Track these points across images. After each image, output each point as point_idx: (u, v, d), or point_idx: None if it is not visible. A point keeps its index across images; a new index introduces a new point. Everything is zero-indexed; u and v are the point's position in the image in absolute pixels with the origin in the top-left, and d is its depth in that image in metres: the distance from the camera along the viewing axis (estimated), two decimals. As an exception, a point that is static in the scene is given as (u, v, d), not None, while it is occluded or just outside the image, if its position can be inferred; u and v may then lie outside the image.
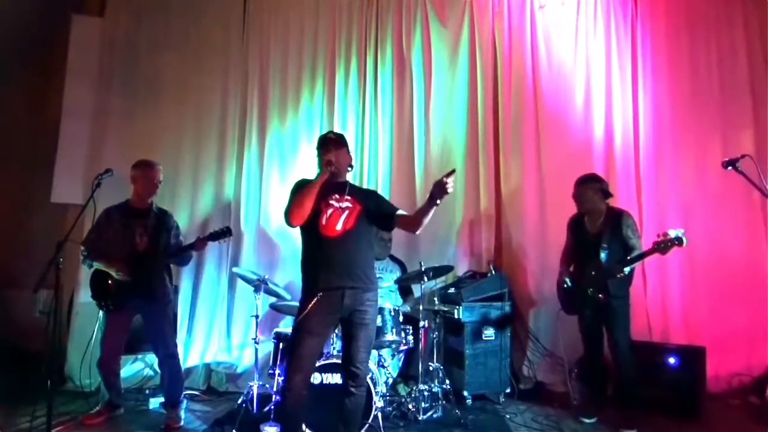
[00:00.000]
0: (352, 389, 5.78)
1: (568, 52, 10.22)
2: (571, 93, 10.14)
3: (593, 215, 8.00)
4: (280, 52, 10.59)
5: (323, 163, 5.84)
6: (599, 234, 7.85)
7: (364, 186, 9.72)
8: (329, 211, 5.82)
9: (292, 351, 5.76)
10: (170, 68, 10.51)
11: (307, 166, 9.83)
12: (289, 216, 5.73)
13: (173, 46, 10.55)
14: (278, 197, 9.99)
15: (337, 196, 5.92)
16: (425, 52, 10.48)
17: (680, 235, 6.91)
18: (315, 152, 6.09)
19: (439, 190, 5.41)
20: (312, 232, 5.82)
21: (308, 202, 5.66)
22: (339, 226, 5.78)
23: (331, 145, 5.98)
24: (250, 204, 10.24)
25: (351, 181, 6.30)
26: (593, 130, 10.01)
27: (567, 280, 8.14)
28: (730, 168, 5.94)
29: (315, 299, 5.63)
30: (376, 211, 6.04)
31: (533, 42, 10.31)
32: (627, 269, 7.47)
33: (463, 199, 10.09)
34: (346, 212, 5.86)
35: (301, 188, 5.83)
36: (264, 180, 10.26)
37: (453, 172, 5.35)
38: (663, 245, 7.02)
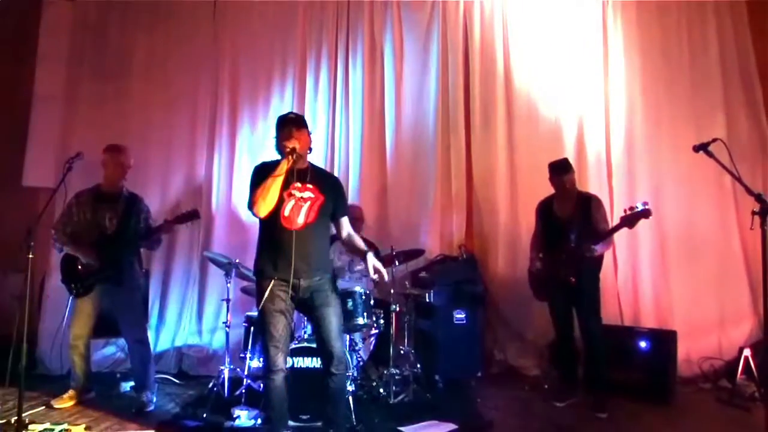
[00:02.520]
0: (333, 370, 5.76)
1: (540, 38, 10.22)
2: (543, 78, 10.15)
3: (564, 200, 8.07)
4: (251, 33, 10.56)
5: (285, 151, 5.66)
6: (569, 218, 7.92)
7: (336, 172, 9.81)
8: (291, 203, 5.75)
9: (265, 333, 5.74)
10: (140, 52, 10.50)
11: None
12: (255, 208, 5.64)
13: (143, 30, 10.51)
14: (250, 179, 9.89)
15: (299, 184, 5.83)
16: (396, 37, 10.47)
17: (647, 207, 7.11)
18: (274, 132, 5.94)
19: (371, 271, 5.70)
20: (273, 222, 5.74)
21: (274, 192, 5.59)
22: (301, 220, 5.73)
23: (292, 126, 5.80)
24: (221, 187, 10.24)
25: (314, 165, 6.21)
26: (564, 116, 10.03)
27: (537, 264, 8.18)
28: (701, 152, 5.93)
29: (271, 283, 5.65)
30: (332, 207, 5.99)
31: (504, 28, 10.31)
32: (597, 247, 7.55)
33: (434, 184, 10.09)
34: (308, 203, 5.80)
35: (261, 175, 5.72)
36: (235, 163, 10.26)
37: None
38: (631, 218, 7.26)
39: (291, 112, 6.25)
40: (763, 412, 5.35)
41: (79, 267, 7.53)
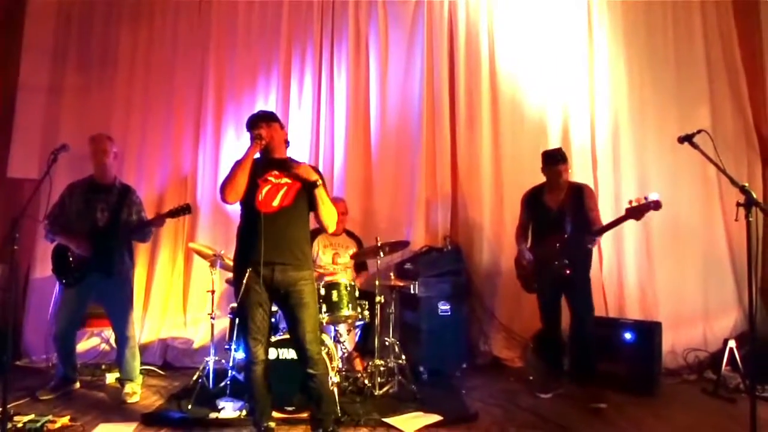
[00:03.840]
0: (310, 371, 5.81)
1: (525, 31, 10.23)
2: (528, 71, 10.16)
3: (556, 190, 8.00)
4: (238, 26, 10.52)
5: (253, 136, 5.80)
6: (562, 208, 7.87)
7: (321, 166, 9.91)
8: (266, 188, 5.80)
9: (244, 326, 5.82)
10: (125, 45, 10.49)
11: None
12: (222, 193, 5.70)
13: (128, 23, 10.49)
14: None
15: (276, 172, 5.88)
16: (381, 31, 10.46)
17: (658, 198, 6.90)
18: (247, 132, 5.98)
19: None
20: (249, 207, 5.81)
21: (241, 177, 5.65)
22: (276, 203, 5.77)
23: (261, 121, 5.92)
24: (206, 179, 10.23)
25: (294, 158, 6.21)
26: (549, 108, 10.05)
27: (528, 256, 8.08)
28: (686, 143, 5.93)
29: (246, 274, 5.70)
30: (310, 194, 5.94)
31: (489, 22, 10.31)
32: (597, 238, 7.70)
33: (419, 176, 10.09)
34: (285, 188, 5.84)
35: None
36: (220, 155, 10.27)
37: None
38: (639, 210, 7.00)
39: (260, 110, 6.23)
40: (747, 404, 5.35)
41: (71, 258, 7.53)
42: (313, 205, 5.94)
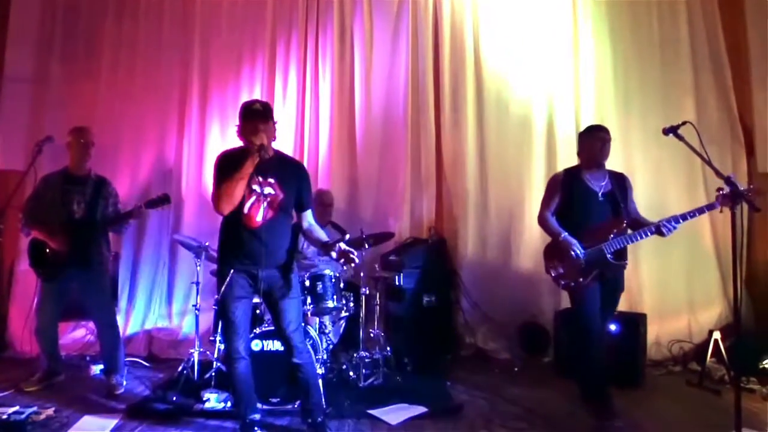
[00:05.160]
0: (295, 360, 5.87)
1: (510, 21, 10.21)
2: (513, 62, 10.15)
3: (598, 170, 7.07)
4: (222, 19, 10.49)
5: (253, 147, 5.53)
6: (611, 192, 6.94)
7: (305, 157, 9.98)
8: (251, 200, 5.71)
9: (225, 320, 5.85)
10: (110, 36, 10.43)
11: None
12: (218, 205, 5.60)
13: (113, 14, 10.44)
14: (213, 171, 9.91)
15: (260, 178, 5.73)
16: (366, 20, 10.43)
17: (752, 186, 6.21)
18: (239, 121, 5.84)
19: (342, 257, 5.52)
20: (232, 215, 5.72)
21: (239, 191, 5.57)
22: (259, 218, 5.72)
23: (259, 121, 5.69)
24: (191, 170, 10.24)
25: (280, 152, 6.18)
26: (534, 99, 10.04)
27: (576, 244, 6.76)
28: (671, 135, 5.91)
29: (231, 271, 5.72)
30: (294, 201, 5.97)
31: (474, 11, 10.29)
32: (676, 225, 6.64)
33: (404, 168, 10.10)
34: (268, 200, 5.76)
35: (225, 168, 5.68)
36: (205, 146, 10.26)
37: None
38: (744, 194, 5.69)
39: (257, 102, 5.96)
40: (732, 395, 5.37)
41: (47, 251, 7.50)
42: (298, 207, 6.01)
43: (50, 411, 6.67)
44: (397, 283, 8.86)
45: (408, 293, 9.04)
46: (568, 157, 9.37)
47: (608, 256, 6.71)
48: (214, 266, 7.71)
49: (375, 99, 10.29)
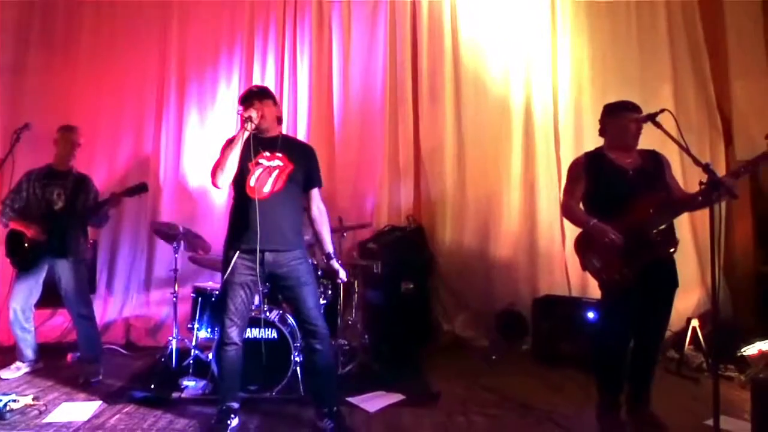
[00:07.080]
0: (316, 345, 5.83)
1: (487, 9, 10.21)
2: (490, 49, 10.17)
3: (626, 150, 6.14)
4: (200, 6, 10.48)
5: (242, 119, 5.61)
6: (642, 168, 6.05)
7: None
8: (258, 171, 5.72)
9: (224, 306, 5.81)
10: (88, 25, 10.45)
11: (227, 121, 10.02)
12: (213, 178, 5.63)
13: (91, 4, 10.45)
14: (197, 151, 10.09)
15: (268, 153, 5.79)
16: (344, 8, 10.42)
17: None
18: (239, 107, 5.88)
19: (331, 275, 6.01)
20: (240, 192, 5.78)
21: (231, 161, 5.56)
22: (267, 188, 5.70)
23: (254, 98, 5.81)
24: (169, 158, 10.23)
25: (287, 135, 6.25)
26: (512, 86, 10.06)
27: (609, 229, 5.79)
28: (648, 122, 5.87)
29: (236, 254, 5.68)
30: (302, 176, 5.95)
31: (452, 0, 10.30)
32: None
33: (382, 155, 10.12)
34: (276, 172, 5.76)
35: (225, 147, 5.73)
36: (183, 134, 10.25)
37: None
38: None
39: (254, 85, 6.17)
40: (710, 383, 5.36)
41: (25, 243, 7.54)
42: (307, 183, 6.02)
43: (29, 398, 6.64)
44: (375, 271, 8.81)
45: (386, 281, 9.00)
46: (545, 145, 9.42)
47: (651, 234, 5.80)
48: (192, 254, 7.73)
49: (353, 87, 10.28)
